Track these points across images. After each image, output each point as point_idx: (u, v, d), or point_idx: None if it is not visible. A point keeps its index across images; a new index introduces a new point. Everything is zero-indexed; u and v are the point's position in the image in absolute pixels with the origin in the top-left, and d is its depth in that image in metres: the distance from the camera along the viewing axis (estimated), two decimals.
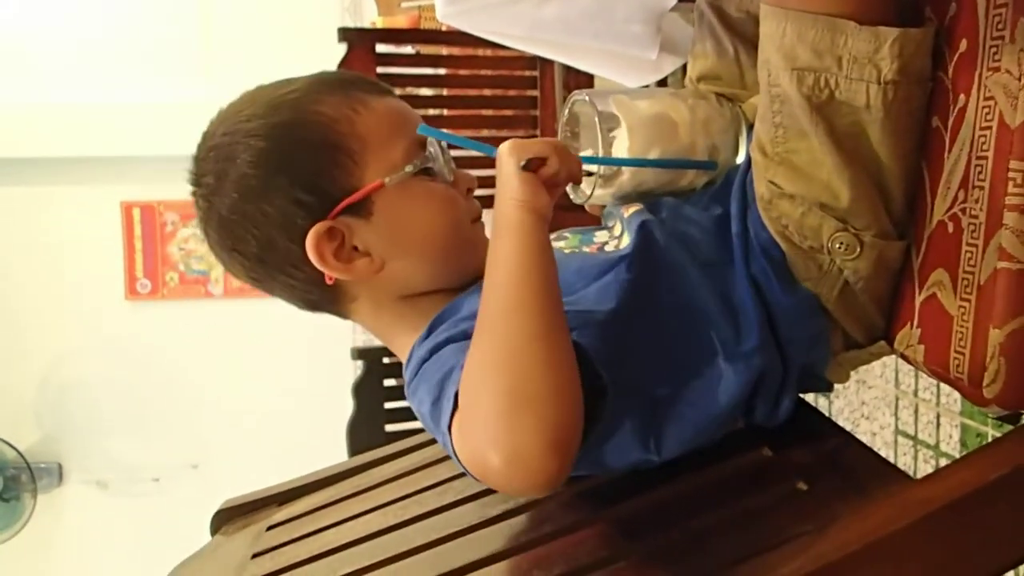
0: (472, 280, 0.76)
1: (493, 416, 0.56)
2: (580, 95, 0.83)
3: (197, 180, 0.76)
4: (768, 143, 0.73)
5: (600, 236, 0.82)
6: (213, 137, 0.76)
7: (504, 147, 0.68)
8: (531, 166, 0.67)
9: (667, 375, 0.71)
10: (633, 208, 0.81)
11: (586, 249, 0.80)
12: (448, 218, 0.77)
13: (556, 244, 0.82)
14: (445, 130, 0.76)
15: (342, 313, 0.80)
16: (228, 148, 0.74)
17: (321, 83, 0.76)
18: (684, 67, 1.24)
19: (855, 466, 0.70)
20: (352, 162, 0.73)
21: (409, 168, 0.74)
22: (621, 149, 0.81)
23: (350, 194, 0.73)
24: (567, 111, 0.84)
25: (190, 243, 3.83)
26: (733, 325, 0.72)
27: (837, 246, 0.71)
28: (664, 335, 0.72)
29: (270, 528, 1.01)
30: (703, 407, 0.70)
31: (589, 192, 0.81)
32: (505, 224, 0.65)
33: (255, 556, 0.93)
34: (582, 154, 0.83)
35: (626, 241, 0.77)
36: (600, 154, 0.80)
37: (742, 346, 0.71)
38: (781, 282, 0.73)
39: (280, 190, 0.72)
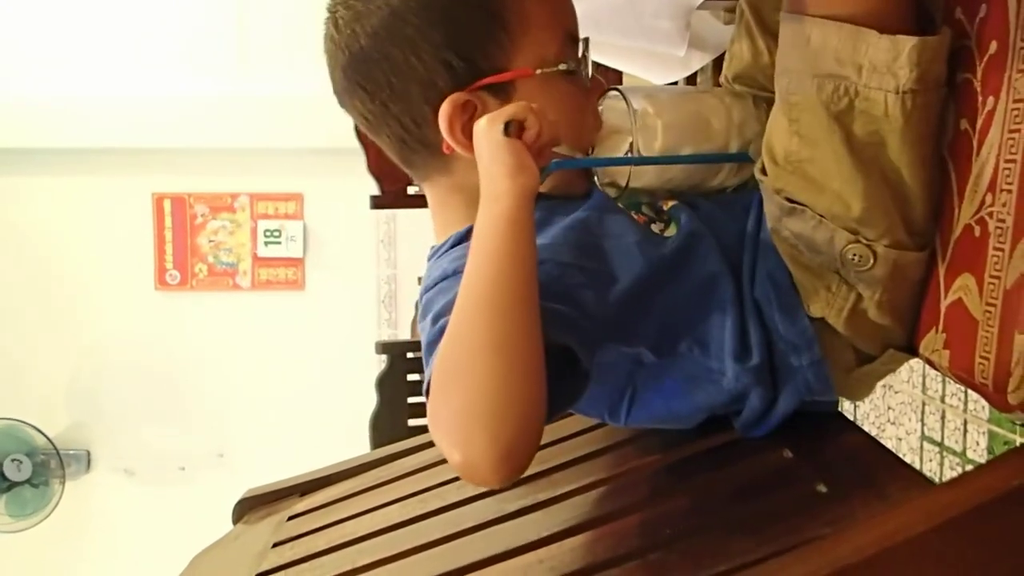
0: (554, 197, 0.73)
1: (453, 426, 0.57)
2: (612, 90, 0.82)
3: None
4: (781, 152, 0.72)
5: (647, 210, 0.81)
6: None
7: (482, 120, 0.66)
8: (512, 131, 0.65)
9: (663, 349, 0.72)
10: (672, 202, 0.80)
11: (634, 214, 0.79)
12: (575, 126, 0.76)
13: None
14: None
15: (424, 178, 0.77)
16: None
17: None
18: (715, 64, 1.23)
19: (876, 469, 0.69)
20: (509, 40, 0.72)
21: (562, 66, 0.73)
22: (652, 145, 0.80)
23: (498, 72, 0.71)
24: (599, 107, 0.84)
25: (219, 235, 3.86)
26: (741, 337, 0.72)
27: (851, 257, 0.69)
28: (675, 317, 0.72)
29: (291, 518, 1.02)
30: (676, 396, 0.73)
31: (622, 186, 0.80)
32: (490, 205, 0.63)
33: (275, 545, 0.94)
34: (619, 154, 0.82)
35: (673, 228, 0.77)
36: (633, 148, 0.79)
37: (743, 362, 0.71)
38: (781, 310, 0.73)
39: (433, 46, 0.70)
